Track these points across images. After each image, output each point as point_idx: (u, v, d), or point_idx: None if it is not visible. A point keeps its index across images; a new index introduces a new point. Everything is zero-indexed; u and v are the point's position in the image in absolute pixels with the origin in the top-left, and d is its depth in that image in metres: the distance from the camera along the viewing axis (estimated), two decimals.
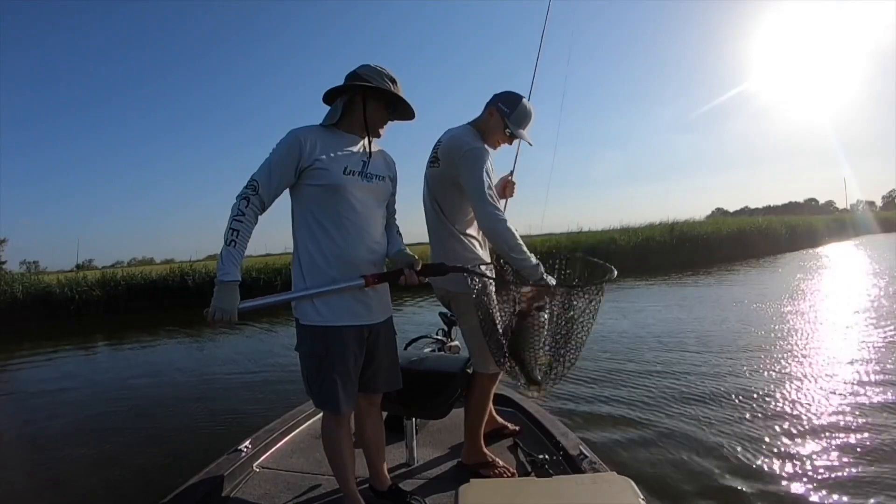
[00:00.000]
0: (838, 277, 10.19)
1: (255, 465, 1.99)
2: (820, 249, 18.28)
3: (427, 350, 2.47)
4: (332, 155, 1.43)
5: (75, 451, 3.52)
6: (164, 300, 13.25)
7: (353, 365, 1.47)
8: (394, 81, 1.51)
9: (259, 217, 1.40)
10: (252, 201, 1.36)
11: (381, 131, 1.56)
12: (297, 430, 2.31)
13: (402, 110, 1.56)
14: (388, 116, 1.54)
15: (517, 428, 2.15)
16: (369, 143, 1.53)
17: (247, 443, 2.05)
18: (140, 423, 4.06)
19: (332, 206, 1.43)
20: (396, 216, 1.68)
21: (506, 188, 2.06)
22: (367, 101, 1.49)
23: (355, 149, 1.50)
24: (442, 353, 2.44)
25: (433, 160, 1.75)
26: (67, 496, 2.86)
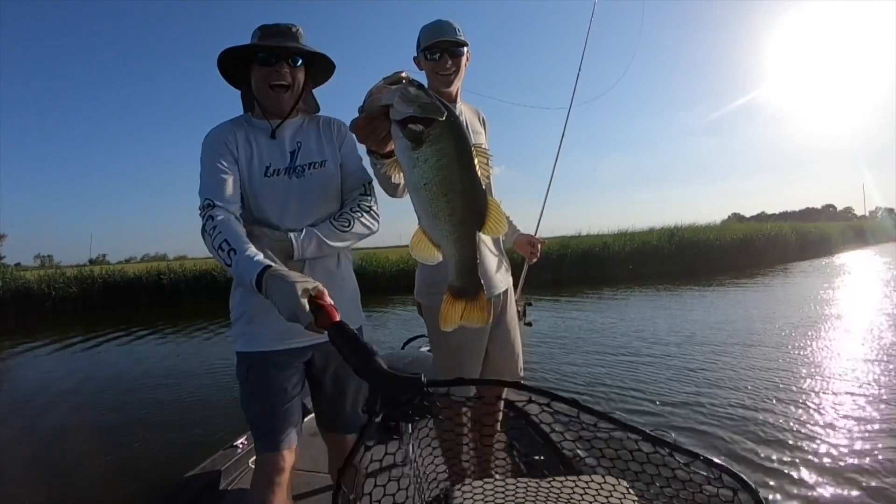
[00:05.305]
0: (852, 293, 9.38)
1: (250, 461, 2.07)
2: (834, 258, 17.75)
3: (425, 350, 2.47)
4: (249, 154, 1.24)
5: (71, 448, 3.63)
6: (141, 297, 13.13)
7: (283, 396, 1.25)
8: (275, 33, 1.24)
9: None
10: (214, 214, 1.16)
11: (287, 101, 1.27)
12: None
13: (319, 67, 1.32)
14: (282, 84, 1.24)
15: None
16: (275, 126, 1.28)
17: (243, 439, 2.14)
18: (136, 420, 4.17)
19: (256, 213, 1.23)
20: (368, 199, 1.34)
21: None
22: (251, 73, 1.26)
23: (276, 138, 1.28)
24: None
25: None
26: (64, 491, 2.94)
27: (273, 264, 0.99)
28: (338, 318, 0.89)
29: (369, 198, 1.32)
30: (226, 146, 1.20)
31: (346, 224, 1.26)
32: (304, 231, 1.21)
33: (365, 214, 1.29)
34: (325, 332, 0.88)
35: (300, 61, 1.25)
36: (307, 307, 0.90)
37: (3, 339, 9.20)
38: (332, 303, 0.93)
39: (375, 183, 1.31)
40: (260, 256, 1.02)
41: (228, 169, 1.18)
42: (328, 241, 1.22)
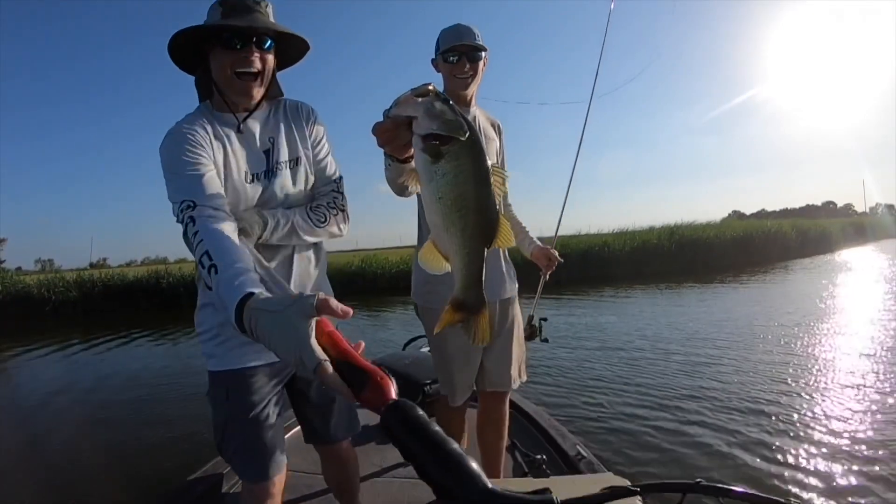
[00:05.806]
0: (854, 290, 9.31)
1: None
2: (835, 255, 17.74)
3: (426, 350, 2.47)
4: (223, 156, 1.08)
5: (71, 449, 3.65)
6: (141, 301, 13.16)
7: (269, 418, 1.16)
8: (239, 9, 1.03)
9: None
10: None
11: (256, 91, 1.09)
12: (295, 430, 2.33)
13: (288, 47, 1.13)
14: (251, 72, 1.07)
15: None
16: (242, 119, 1.12)
17: None
18: (137, 422, 4.21)
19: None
20: (341, 198, 1.24)
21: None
22: (210, 58, 1.07)
23: (244, 133, 1.13)
24: None
25: None
26: (64, 493, 2.96)
27: (255, 291, 0.70)
28: (394, 395, 0.56)
29: (343, 197, 1.23)
30: (199, 143, 1.03)
31: (322, 219, 1.17)
32: (278, 211, 1.12)
33: (341, 214, 1.21)
34: (369, 407, 0.56)
35: (270, 43, 1.07)
36: (315, 348, 0.57)
37: (3, 342, 9.22)
38: (360, 352, 0.61)
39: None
40: (245, 277, 0.76)
41: (206, 164, 1.01)
42: (300, 232, 1.14)
